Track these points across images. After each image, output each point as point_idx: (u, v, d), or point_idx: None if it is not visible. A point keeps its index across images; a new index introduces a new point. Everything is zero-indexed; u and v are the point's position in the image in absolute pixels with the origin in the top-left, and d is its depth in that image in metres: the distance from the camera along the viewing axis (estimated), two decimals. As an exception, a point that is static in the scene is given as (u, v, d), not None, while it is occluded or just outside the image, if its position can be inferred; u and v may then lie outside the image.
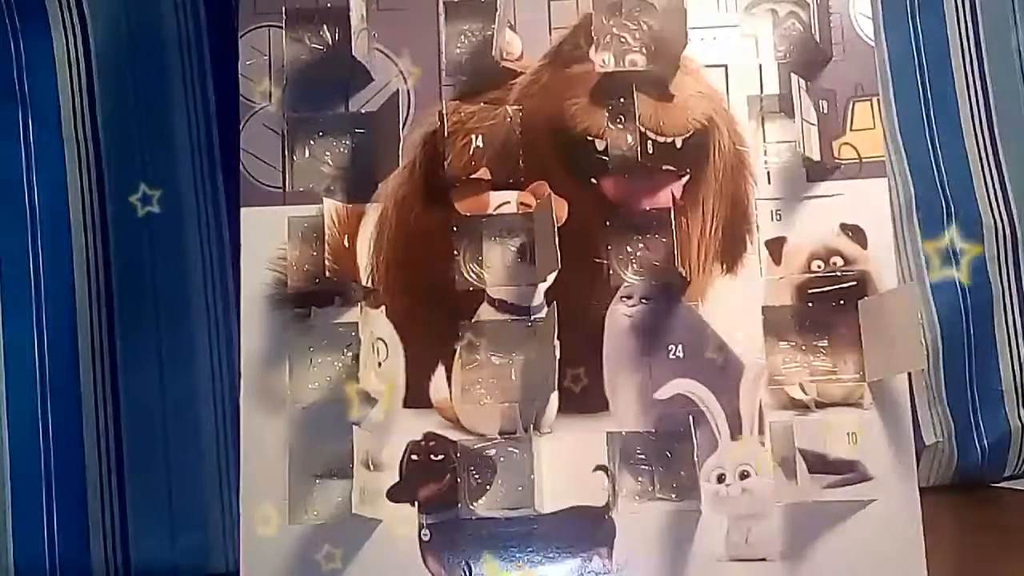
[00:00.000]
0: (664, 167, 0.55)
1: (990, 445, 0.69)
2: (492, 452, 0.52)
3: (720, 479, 0.53)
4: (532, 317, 0.54)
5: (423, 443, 0.53)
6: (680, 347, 0.54)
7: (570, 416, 0.53)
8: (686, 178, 0.55)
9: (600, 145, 0.55)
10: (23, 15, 0.65)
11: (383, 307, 0.55)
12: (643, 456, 0.53)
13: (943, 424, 0.69)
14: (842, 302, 0.54)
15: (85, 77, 0.65)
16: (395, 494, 0.53)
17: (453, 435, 0.53)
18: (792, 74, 0.55)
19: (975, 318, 0.69)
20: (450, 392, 0.54)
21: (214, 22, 0.65)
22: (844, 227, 0.55)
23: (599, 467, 0.53)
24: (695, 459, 0.52)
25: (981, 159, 0.70)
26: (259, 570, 0.52)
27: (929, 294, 0.69)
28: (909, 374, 0.54)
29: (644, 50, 0.55)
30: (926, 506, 0.52)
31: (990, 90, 0.70)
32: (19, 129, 0.65)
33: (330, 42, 0.55)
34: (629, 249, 0.54)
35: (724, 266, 0.55)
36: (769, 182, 0.55)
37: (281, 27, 0.55)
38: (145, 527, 0.64)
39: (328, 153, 0.55)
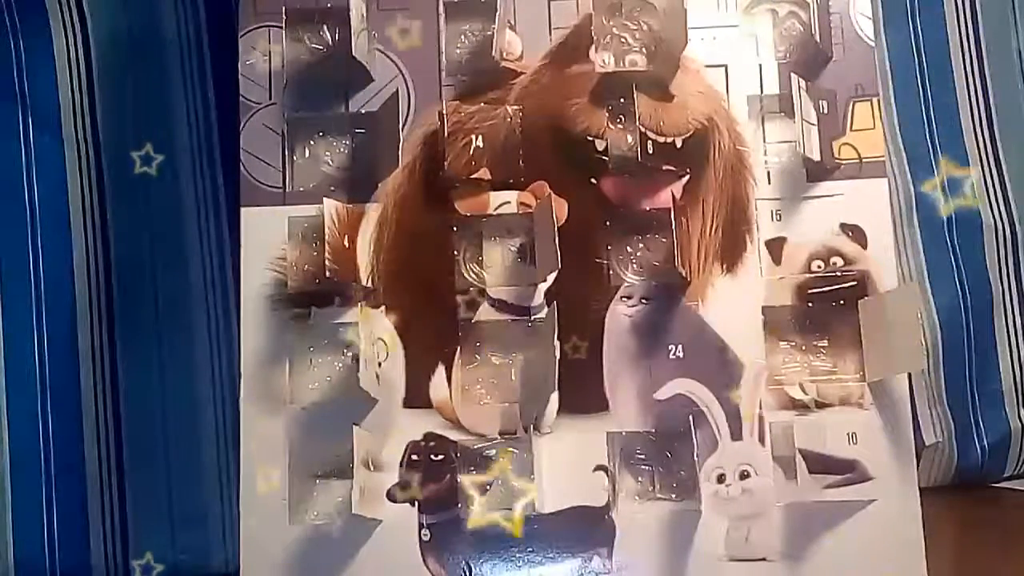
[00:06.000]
0: (664, 167, 0.55)
1: (990, 445, 0.69)
2: (492, 452, 0.52)
3: (720, 479, 0.53)
4: (532, 317, 0.54)
5: (423, 443, 0.53)
6: (680, 347, 0.54)
7: (570, 416, 0.53)
8: (686, 178, 0.55)
9: (600, 145, 0.55)
10: (23, 15, 0.65)
11: (383, 307, 0.55)
12: (643, 456, 0.52)
13: (943, 424, 0.69)
14: (842, 302, 0.54)
15: (85, 77, 0.65)
16: (395, 494, 0.53)
17: (453, 435, 0.53)
18: (792, 74, 0.54)
19: (975, 318, 0.69)
20: (450, 392, 0.54)
21: (214, 22, 0.65)
22: (844, 227, 0.55)
23: (599, 467, 0.53)
24: (695, 459, 0.52)
25: (981, 159, 0.70)
26: (259, 570, 0.52)
27: (929, 294, 0.69)
28: (909, 374, 0.54)
29: (644, 50, 0.55)
30: (926, 506, 0.52)
31: (990, 90, 0.70)
32: (19, 129, 0.65)
33: (330, 42, 0.55)
34: (629, 249, 0.54)
35: (724, 266, 0.55)
36: (769, 182, 0.55)
37: (281, 27, 0.55)
38: (145, 527, 0.64)
39: (328, 153, 0.55)
